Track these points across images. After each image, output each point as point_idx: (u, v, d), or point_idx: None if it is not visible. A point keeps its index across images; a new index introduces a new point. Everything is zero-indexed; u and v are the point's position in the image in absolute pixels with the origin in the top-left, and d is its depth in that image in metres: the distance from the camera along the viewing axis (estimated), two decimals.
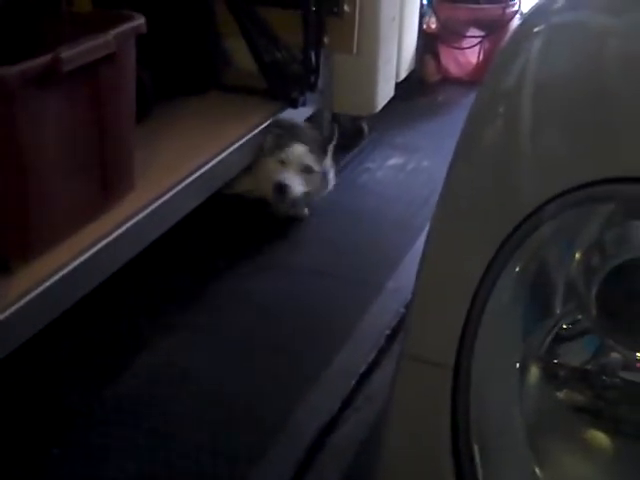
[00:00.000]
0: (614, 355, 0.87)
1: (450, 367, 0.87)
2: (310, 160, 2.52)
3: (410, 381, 0.93)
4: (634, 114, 0.85)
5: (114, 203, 2.01)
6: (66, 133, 1.78)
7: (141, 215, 2.02)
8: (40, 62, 1.65)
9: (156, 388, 1.93)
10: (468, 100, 1.29)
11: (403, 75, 3.31)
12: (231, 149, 2.41)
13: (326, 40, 2.75)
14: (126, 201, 2.04)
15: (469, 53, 3.73)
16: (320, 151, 2.55)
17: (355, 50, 2.88)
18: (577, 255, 0.87)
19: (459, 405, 0.87)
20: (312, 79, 2.72)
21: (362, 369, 1.99)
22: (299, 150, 2.50)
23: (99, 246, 1.88)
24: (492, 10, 3.65)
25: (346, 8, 2.79)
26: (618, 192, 0.82)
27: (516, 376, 0.88)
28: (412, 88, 3.51)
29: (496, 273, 0.86)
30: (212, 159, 2.33)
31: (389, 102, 3.12)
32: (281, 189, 2.44)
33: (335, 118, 3.07)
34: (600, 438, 0.89)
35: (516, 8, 3.65)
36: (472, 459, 0.86)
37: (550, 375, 0.89)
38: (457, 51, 3.73)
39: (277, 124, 2.56)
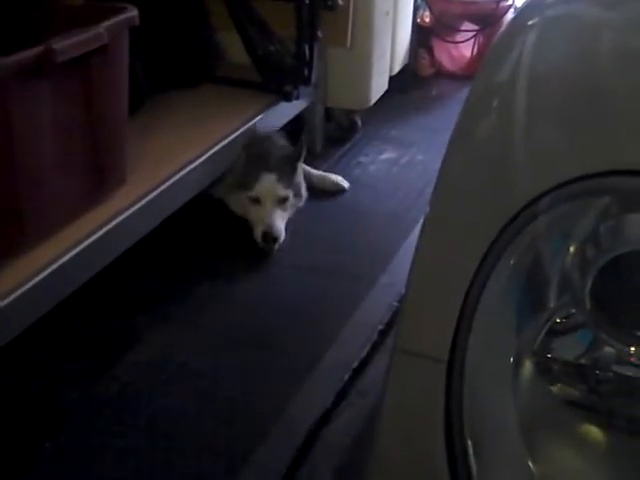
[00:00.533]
0: (608, 349, 0.87)
1: (444, 361, 0.87)
2: (282, 189, 2.47)
3: (404, 376, 0.93)
4: (628, 107, 0.85)
5: (106, 196, 2.00)
6: (58, 125, 1.77)
7: (133, 208, 2.01)
8: (33, 53, 1.64)
9: (151, 385, 1.92)
10: (462, 94, 1.28)
11: (397, 69, 3.31)
12: (224, 142, 2.40)
13: (320, 34, 2.75)
14: (118, 194, 2.03)
15: (463, 47, 3.73)
16: (290, 170, 2.51)
17: (349, 44, 2.88)
18: (571, 248, 0.87)
19: (453, 399, 0.87)
20: (306, 72, 2.71)
21: (355, 364, 1.98)
22: (269, 182, 2.45)
23: (91, 239, 1.88)
24: (486, 4, 3.65)
25: (340, 1, 2.78)
26: (613, 185, 0.82)
27: (510, 370, 0.88)
28: (406, 82, 3.50)
29: (490, 267, 0.86)
30: (205, 152, 2.32)
31: (383, 96, 3.12)
32: (270, 239, 2.41)
33: (328, 112, 3.07)
34: (594, 432, 0.89)
35: (510, 2, 3.64)
36: (466, 453, 0.86)
37: (544, 369, 0.89)
38: (451, 45, 3.73)
39: (250, 141, 2.50)
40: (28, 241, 1.79)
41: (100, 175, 1.97)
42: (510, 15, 3.56)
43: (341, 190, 2.78)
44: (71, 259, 1.82)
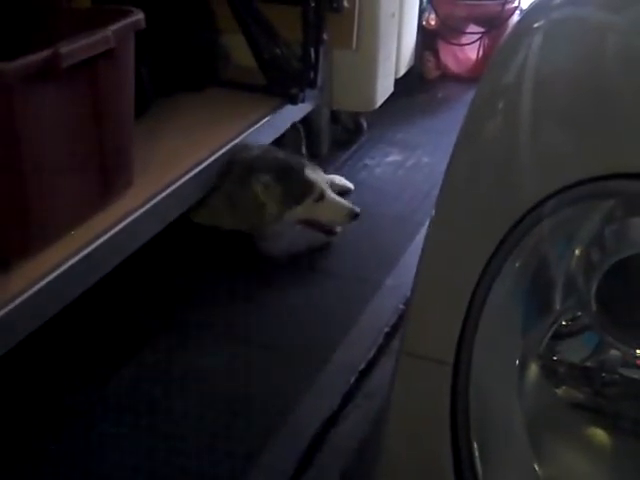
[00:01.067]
0: (613, 352, 0.87)
1: (450, 364, 0.87)
2: (322, 173, 2.55)
3: (410, 378, 0.93)
4: (634, 110, 0.85)
5: (114, 199, 2.01)
6: (65, 128, 1.78)
7: (141, 211, 2.02)
8: (39, 57, 1.64)
9: (156, 386, 1.92)
10: (468, 96, 1.29)
11: (402, 71, 3.31)
12: (230, 145, 2.41)
13: (325, 36, 2.75)
14: (125, 197, 2.04)
15: (469, 49, 3.73)
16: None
17: (355, 46, 2.88)
18: (577, 251, 0.87)
19: (459, 402, 0.87)
20: (311, 75, 2.72)
21: (361, 366, 1.98)
22: (314, 175, 2.48)
23: (99, 242, 1.88)
24: (492, 6, 3.65)
25: (345, 4, 2.79)
26: (618, 188, 0.82)
27: (516, 373, 0.88)
28: (411, 84, 3.50)
29: (496, 269, 0.86)
30: (211, 155, 2.33)
31: (388, 98, 3.12)
32: (355, 216, 2.46)
33: (334, 114, 3.07)
34: (599, 435, 0.89)
35: (516, 4, 3.65)
36: (471, 456, 0.86)
37: (550, 372, 0.89)
38: (457, 47, 3.73)
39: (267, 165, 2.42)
40: (36, 244, 1.79)
41: (107, 178, 1.97)
42: (516, 18, 3.56)
43: (346, 192, 2.78)
44: (79, 262, 1.82)
